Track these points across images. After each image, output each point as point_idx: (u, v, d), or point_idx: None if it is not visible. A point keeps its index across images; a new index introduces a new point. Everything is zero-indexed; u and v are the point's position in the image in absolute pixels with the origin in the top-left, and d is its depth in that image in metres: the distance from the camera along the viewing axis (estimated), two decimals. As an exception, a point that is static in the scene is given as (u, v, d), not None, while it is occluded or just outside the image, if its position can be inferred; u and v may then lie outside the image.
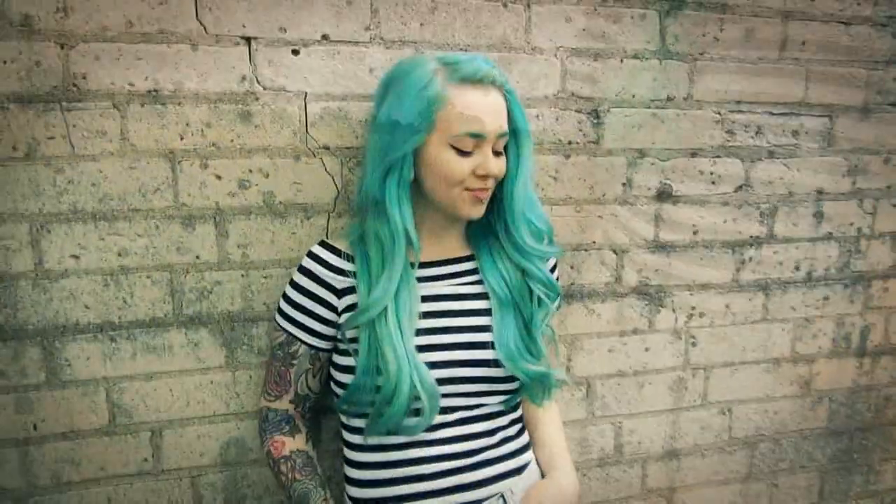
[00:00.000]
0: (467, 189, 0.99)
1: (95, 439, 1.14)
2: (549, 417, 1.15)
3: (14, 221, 1.05)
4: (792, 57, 1.43)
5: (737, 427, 1.60)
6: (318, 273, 1.03)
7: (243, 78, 1.10)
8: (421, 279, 1.04)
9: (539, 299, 1.05)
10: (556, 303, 1.10)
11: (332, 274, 1.03)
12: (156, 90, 1.07)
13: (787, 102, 1.45)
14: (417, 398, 0.94)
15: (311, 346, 1.04)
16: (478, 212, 1.02)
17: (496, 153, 0.99)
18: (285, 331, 1.05)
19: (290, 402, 1.08)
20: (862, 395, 1.70)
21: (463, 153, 0.96)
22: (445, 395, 0.98)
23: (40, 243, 1.07)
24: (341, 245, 1.06)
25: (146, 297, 1.13)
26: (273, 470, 1.06)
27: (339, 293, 1.02)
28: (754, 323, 1.55)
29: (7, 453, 1.11)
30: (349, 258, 1.03)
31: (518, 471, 1.03)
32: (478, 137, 0.95)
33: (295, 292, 1.04)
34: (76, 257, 1.08)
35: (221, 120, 1.10)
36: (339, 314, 1.02)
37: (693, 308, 1.48)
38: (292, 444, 1.07)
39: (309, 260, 1.04)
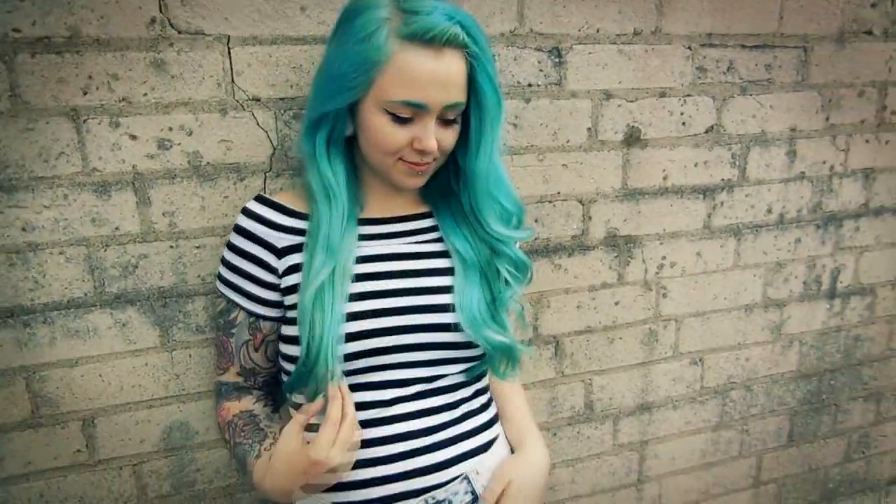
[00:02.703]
0: (402, 160, 0.87)
1: (18, 433, 1.04)
2: (514, 389, 1.07)
3: None
4: (766, -17, 1.32)
5: (708, 376, 1.56)
6: (254, 231, 0.92)
7: (153, 20, 0.95)
8: (369, 237, 0.93)
9: (506, 279, 0.95)
10: (527, 280, 1.00)
11: (270, 231, 0.91)
12: (48, 37, 0.92)
13: (760, 34, 1.35)
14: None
15: (249, 313, 0.93)
16: (416, 183, 0.91)
17: (446, 122, 0.86)
18: (225, 297, 0.95)
19: (238, 374, 0.98)
20: (832, 336, 1.68)
21: (400, 119, 0.83)
22: (401, 366, 0.89)
23: (-72, 221, 0.93)
24: (287, 200, 0.94)
25: (61, 277, 1.00)
26: (224, 442, 0.98)
27: (280, 252, 0.91)
28: (726, 270, 1.49)
29: (-83, 455, 1.00)
30: (299, 215, 0.92)
31: (484, 448, 0.96)
32: (418, 108, 0.82)
33: (231, 254, 0.93)
34: (-27, 235, 0.95)
35: (131, 71, 0.96)
36: (280, 276, 0.91)
37: (664, 258, 1.41)
38: (236, 406, 0.98)
39: (244, 217, 0.92)
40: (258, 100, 1.03)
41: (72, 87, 0.94)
